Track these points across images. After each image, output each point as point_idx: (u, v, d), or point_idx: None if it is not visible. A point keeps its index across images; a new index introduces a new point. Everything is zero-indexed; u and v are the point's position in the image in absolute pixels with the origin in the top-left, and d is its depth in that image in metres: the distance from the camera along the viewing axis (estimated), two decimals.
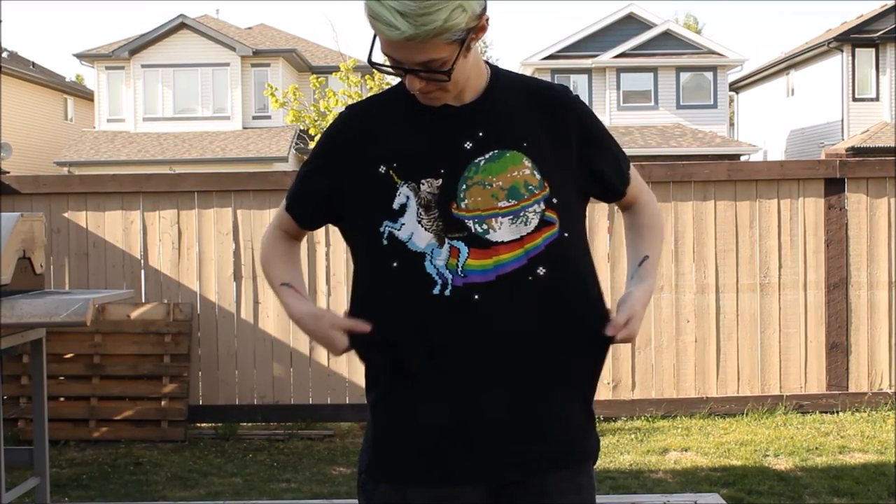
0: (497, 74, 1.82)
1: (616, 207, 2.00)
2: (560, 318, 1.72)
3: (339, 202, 1.80)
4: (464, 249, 1.70)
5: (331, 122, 1.86)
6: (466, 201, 1.72)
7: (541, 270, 1.70)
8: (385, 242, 1.73)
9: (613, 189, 1.90)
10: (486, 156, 1.73)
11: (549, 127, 1.79)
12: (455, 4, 1.61)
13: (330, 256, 6.11)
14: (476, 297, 1.68)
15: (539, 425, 1.74)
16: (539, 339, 1.70)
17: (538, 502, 1.77)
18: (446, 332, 1.69)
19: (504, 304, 1.68)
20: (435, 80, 1.68)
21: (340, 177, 1.80)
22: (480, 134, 1.75)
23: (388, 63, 1.69)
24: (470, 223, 1.71)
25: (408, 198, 1.72)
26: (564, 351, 1.73)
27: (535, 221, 1.72)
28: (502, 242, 1.70)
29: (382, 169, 1.74)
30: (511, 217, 1.72)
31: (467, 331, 1.69)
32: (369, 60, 1.68)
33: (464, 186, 1.72)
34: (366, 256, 1.77)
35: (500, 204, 1.72)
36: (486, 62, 1.82)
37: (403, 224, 1.72)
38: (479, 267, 1.69)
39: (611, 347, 1.81)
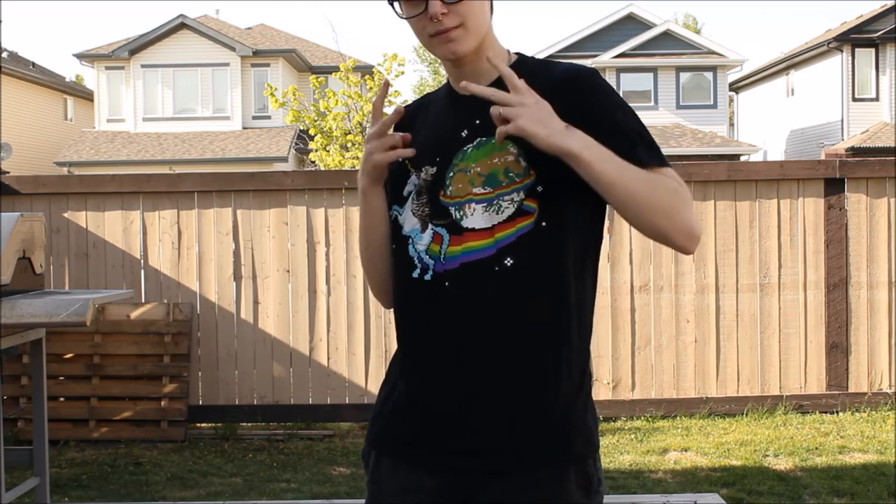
0: (522, 63, 1.77)
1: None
2: (515, 315, 1.65)
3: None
4: (446, 236, 1.70)
5: None
6: (451, 188, 1.72)
7: (508, 261, 1.65)
8: (392, 226, 1.81)
9: None
10: (474, 143, 1.73)
11: (558, 112, 1.65)
12: None
13: (330, 256, 6.11)
14: (447, 283, 1.68)
15: (480, 421, 1.67)
16: (494, 333, 1.66)
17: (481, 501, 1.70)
18: (419, 316, 1.73)
19: (468, 292, 1.66)
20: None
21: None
22: (477, 122, 1.73)
23: None
24: (452, 210, 1.71)
25: (414, 185, 1.77)
26: (511, 351, 1.65)
27: (509, 210, 1.66)
28: (473, 230, 1.67)
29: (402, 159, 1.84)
30: (485, 204, 1.67)
31: (433, 316, 1.70)
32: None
33: (450, 174, 1.72)
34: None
35: (475, 190, 1.69)
36: (518, 53, 1.80)
37: (403, 209, 1.78)
38: (454, 253, 1.69)
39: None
